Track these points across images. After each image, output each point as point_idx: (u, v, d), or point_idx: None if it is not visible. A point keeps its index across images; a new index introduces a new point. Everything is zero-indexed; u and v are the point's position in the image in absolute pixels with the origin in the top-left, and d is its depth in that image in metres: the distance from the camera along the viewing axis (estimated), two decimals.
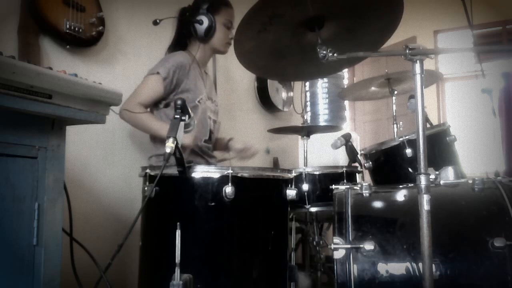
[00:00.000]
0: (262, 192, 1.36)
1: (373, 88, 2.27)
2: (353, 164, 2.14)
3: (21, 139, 0.96)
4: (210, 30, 1.90)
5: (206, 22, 1.89)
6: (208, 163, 1.97)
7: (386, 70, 2.08)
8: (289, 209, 1.47)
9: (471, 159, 3.86)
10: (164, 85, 1.81)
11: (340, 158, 2.94)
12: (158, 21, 1.78)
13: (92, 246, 1.27)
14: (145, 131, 1.89)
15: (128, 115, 1.77)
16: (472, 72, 4.09)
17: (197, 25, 1.90)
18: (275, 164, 3.32)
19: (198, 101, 1.89)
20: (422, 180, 1.00)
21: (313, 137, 2.25)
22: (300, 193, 1.68)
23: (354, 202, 1.37)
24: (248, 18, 1.18)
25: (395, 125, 2.16)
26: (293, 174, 1.47)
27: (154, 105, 1.89)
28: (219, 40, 1.94)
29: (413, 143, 1.80)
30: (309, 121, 3.60)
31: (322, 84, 3.63)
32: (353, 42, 1.34)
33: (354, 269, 1.23)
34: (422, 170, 1.01)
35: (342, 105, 3.69)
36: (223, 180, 1.26)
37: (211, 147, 2.02)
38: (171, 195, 1.31)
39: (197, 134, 1.85)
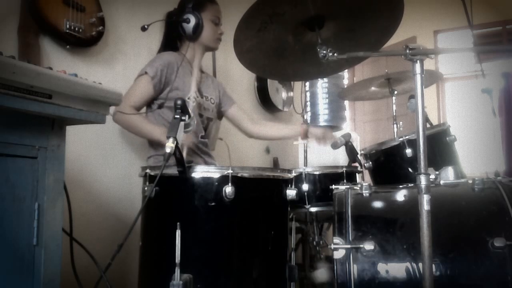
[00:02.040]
0: (262, 192, 1.36)
1: (373, 88, 2.27)
2: (353, 164, 2.13)
3: (21, 139, 0.96)
4: (198, 28, 1.92)
5: (193, 20, 1.91)
6: (205, 161, 1.97)
7: (386, 70, 2.08)
8: (289, 209, 1.47)
9: (471, 159, 3.85)
10: (153, 84, 1.82)
11: (340, 158, 2.94)
12: (146, 26, 1.81)
13: (92, 246, 1.27)
14: (137, 134, 1.89)
15: (120, 117, 1.78)
16: (472, 72, 4.09)
17: (184, 24, 1.92)
18: (275, 164, 3.32)
19: (188, 98, 1.90)
20: (422, 180, 1.00)
21: None
22: (300, 193, 1.68)
23: (354, 202, 1.37)
24: (248, 17, 1.19)
25: (395, 125, 2.16)
26: (293, 174, 1.47)
27: (148, 107, 1.90)
28: (208, 37, 1.96)
29: (413, 143, 1.80)
30: (309, 121, 3.60)
31: (322, 84, 3.63)
32: (353, 42, 1.34)
33: (354, 269, 1.23)
34: (422, 170, 1.01)
35: (342, 105, 3.69)
36: (223, 180, 1.26)
37: (207, 143, 2.02)
38: (171, 195, 1.31)
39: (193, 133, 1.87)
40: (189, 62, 2.00)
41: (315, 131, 2.14)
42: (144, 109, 1.91)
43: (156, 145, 1.88)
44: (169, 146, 1.15)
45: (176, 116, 1.21)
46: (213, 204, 1.26)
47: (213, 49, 2.08)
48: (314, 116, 3.64)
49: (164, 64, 1.85)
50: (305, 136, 2.15)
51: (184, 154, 1.70)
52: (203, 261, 1.26)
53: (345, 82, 3.81)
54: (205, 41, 1.98)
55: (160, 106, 1.88)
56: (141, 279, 1.40)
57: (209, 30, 1.95)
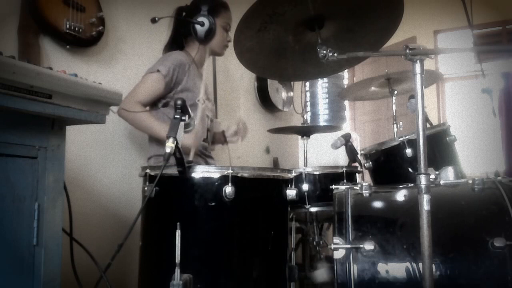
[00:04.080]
0: (262, 192, 1.36)
1: (373, 88, 2.27)
2: (353, 164, 2.13)
3: (21, 139, 0.96)
4: (211, 32, 1.90)
5: (207, 24, 1.89)
6: (206, 162, 1.97)
7: (386, 70, 2.08)
8: (289, 209, 1.47)
9: (471, 159, 3.86)
10: (164, 83, 1.81)
11: (340, 158, 2.94)
12: (156, 19, 1.78)
13: (92, 246, 1.27)
14: (144, 131, 1.88)
15: (126, 113, 1.77)
16: (472, 72, 4.09)
17: (198, 26, 1.90)
18: (275, 164, 3.32)
19: (198, 100, 1.90)
20: (422, 180, 1.00)
21: (313, 137, 2.25)
22: (300, 193, 1.68)
23: (354, 202, 1.37)
24: (248, 17, 1.19)
25: (395, 125, 2.15)
26: (293, 174, 1.47)
27: (153, 105, 1.89)
28: (217, 43, 1.96)
29: (413, 143, 1.80)
30: (309, 121, 3.60)
31: (322, 84, 3.63)
32: (353, 42, 1.34)
33: (354, 269, 1.23)
34: (422, 170, 1.01)
35: (342, 105, 3.69)
36: (223, 180, 1.26)
37: (207, 146, 2.02)
38: (171, 195, 1.31)
39: (198, 134, 1.86)
40: (196, 64, 1.99)
41: (229, 132, 2.14)
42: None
43: (157, 145, 1.87)
44: (169, 146, 1.15)
45: (176, 116, 1.21)
46: (213, 204, 1.26)
47: (219, 55, 2.07)
48: (314, 116, 3.64)
49: (176, 64, 1.84)
50: (225, 140, 2.16)
51: (191, 157, 1.70)
52: (203, 261, 1.26)
53: (345, 82, 3.82)
54: (214, 46, 1.97)
55: (165, 105, 1.87)
56: (141, 279, 1.40)
57: (220, 36, 1.95)
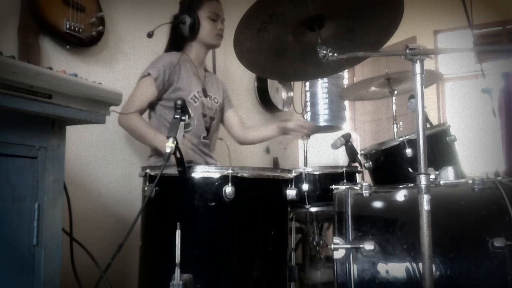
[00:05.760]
0: (262, 192, 1.36)
1: (373, 88, 2.27)
2: (353, 164, 2.13)
3: (21, 139, 0.96)
4: (194, 27, 1.91)
5: (188, 20, 1.91)
6: (206, 162, 1.97)
7: (386, 70, 2.08)
8: (289, 209, 1.47)
9: (471, 159, 3.86)
10: (156, 85, 1.82)
11: (340, 158, 2.94)
12: (151, 33, 1.81)
13: (92, 246, 1.27)
14: (139, 139, 1.86)
15: (124, 121, 1.79)
16: (472, 72, 4.09)
17: (181, 25, 1.92)
18: (275, 164, 3.32)
19: (191, 98, 1.90)
20: (422, 180, 1.00)
21: (313, 137, 2.25)
22: (300, 193, 1.68)
23: (354, 202, 1.37)
24: (248, 17, 1.19)
25: (395, 125, 2.16)
26: (293, 174, 1.47)
27: (150, 108, 1.90)
28: (206, 34, 1.95)
29: (413, 143, 1.80)
30: (309, 121, 3.60)
31: (322, 84, 3.62)
32: (353, 42, 1.34)
33: (354, 269, 1.23)
34: (422, 170, 1.01)
35: (342, 105, 3.69)
36: (223, 180, 1.26)
37: (208, 144, 2.02)
38: (171, 195, 1.31)
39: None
40: (193, 61, 1.99)
41: (290, 125, 2.09)
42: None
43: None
44: (169, 146, 1.15)
45: (176, 116, 1.21)
46: (213, 204, 1.26)
47: (214, 46, 2.05)
48: (314, 116, 3.64)
49: (166, 64, 1.85)
50: (283, 132, 2.13)
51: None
52: (203, 261, 1.26)
53: (345, 82, 3.81)
54: (204, 38, 1.96)
55: (153, 107, 1.88)
56: (141, 279, 1.40)
57: (207, 27, 1.94)
